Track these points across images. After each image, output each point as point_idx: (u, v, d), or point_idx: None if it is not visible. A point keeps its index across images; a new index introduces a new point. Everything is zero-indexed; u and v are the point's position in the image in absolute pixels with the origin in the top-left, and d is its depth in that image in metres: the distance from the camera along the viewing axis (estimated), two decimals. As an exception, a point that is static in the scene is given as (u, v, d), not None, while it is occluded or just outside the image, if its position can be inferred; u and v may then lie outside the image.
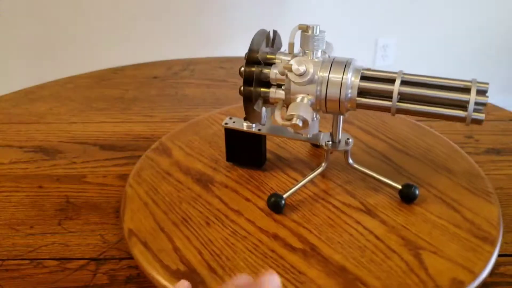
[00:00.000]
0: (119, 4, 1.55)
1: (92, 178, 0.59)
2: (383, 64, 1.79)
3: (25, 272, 0.46)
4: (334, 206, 0.53)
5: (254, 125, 0.55)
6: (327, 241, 0.48)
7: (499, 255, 0.48)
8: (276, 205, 0.51)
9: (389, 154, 0.61)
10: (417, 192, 0.52)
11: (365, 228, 0.50)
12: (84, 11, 1.55)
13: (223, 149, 0.59)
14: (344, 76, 0.46)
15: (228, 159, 0.59)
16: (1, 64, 1.60)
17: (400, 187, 0.53)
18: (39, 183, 0.59)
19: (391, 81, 0.47)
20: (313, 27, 0.46)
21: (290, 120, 0.46)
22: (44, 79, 0.85)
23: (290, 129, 0.49)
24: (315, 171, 0.54)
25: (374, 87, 0.47)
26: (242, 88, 0.49)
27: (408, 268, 0.45)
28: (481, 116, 0.45)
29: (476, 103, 0.45)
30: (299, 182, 0.53)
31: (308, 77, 0.46)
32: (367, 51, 1.78)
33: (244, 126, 0.56)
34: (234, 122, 0.56)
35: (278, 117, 0.48)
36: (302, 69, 0.46)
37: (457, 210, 0.52)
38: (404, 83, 0.46)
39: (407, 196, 0.52)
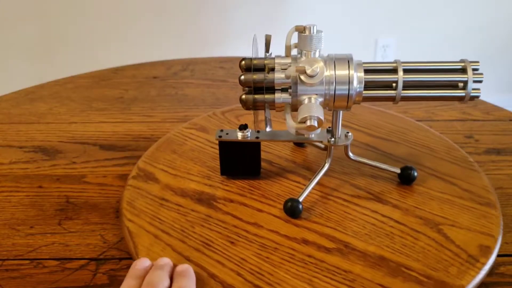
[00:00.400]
0: (119, 4, 1.55)
1: (92, 178, 0.59)
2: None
3: (25, 272, 0.46)
4: (345, 200, 0.53)
5: (249, 134, 0.54)
6: (355, 235, 0.49)
7: (499, 255, 0.48)
8: (294, 210, 0.50)
9: (373, 143, 0.63)
10: (415, 173, 0.55)
11: (382, 215, 0.51)
12: (84, 11, 1.55)
13: (209, 163, 0.58)
14: (350, 72, 0.47)
15: (223, 173, 0.56)
16: (1, 64, 1.60)
17: (399, 171, 0.55)
18: (39, 183, 0.59)
19: (393, 71, 0.49)
20: (310, 27, 0.46)
21: (304, 122, 0.45)
22: (44, 79, 0.85)
23: (292, 132, 0.49)
24: (322, 169, 0.54)
25: (379, 79, 0.49)
26: (244, 96, 0.49)
27: (438, 244, 0.48)
28: (478, 93, 0.49)
29: (474, 81, 0.48)
30: (310, 183, 0.52)
31: (322, 77, 0.46)
32: (367, 51, 1.78)
33: (239, 136, 0.54)
34: (227, 134, 0.54)
35: (290, 121, 0.47)
36: (316, 70, 0.46)
37: (454, 183, 0.56)
38: (406, 71, 0.49)
39: (407, 178, 0.55)
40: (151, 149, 0.62)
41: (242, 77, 0.48)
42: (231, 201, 0.53)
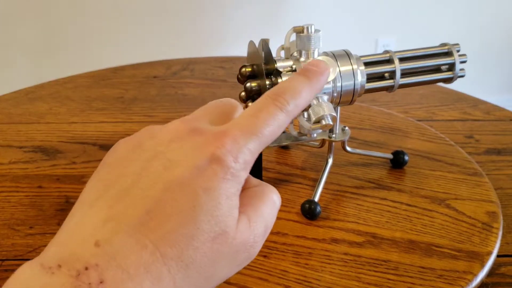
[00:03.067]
0: (119, 4, 1.55)
1: (92, 178, 0.59)
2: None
3: (25, 273, 0.46)
4: (352, 193, 0.54)
5: None
6: (377, 225, 0.50)
7: (500, 256, 0.48)
8: (313, 211, 0.50)
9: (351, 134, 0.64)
10: (407, 157, 0.58)
11: (392, 201, 0.53)
12: (84, 11, 1.55)
13: None
14: (353, 67, 0.48)
15: None
16: (1, 63, 1.60)
17: (391, 156, 0.58)
18: (39, 183, 0.59)
19: (389, 61, 0.51)
20: (308, 27, 0.46)
21: (319, 122, 0.45)
22: (44, 79, 0.85)
23: (294, 133, 0.49)
24: (326, 166, 0.54)
25: (378, 70, 0.50)
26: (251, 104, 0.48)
27: (452, 218, 0.51)
28: (464, 72, 0.53)
29: (460, 62, 0.52)
30: (320, 182, 0.53)
31: (335, 75, 0.47)
32: (367, 51, 1.78)
33: None
34: None
35: (305, 122, 0.47)
36: (330, 68, 0.46)
37: (438, 160, 0.59)
38: (400, 60, 0.51)
39: (400, 162, 0.58)
40: None
41: (248, 84, 0.47)
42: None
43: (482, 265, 0.45)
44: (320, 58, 0.46)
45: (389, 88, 0.51)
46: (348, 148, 0.56)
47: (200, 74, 0.87)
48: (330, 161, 0.54)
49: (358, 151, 0.58)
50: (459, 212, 0.51)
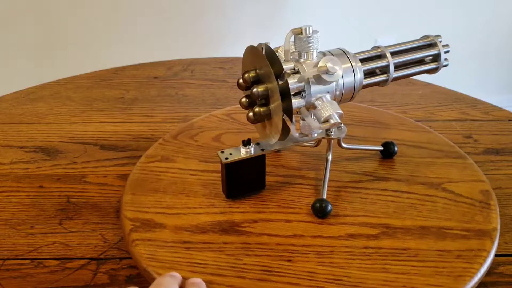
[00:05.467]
0: (119, 4, 1.55)
1: (93, 178, 0.59)
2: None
3: (26, 272, 0.46)
4: (353, 187, 0.55)
5: (252, 148, 0.51)
6: (387, 216, 0.51)
7: (498, 255, 0.48)
8: (324, 210, 0.50)
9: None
10: (396, 147, 0.60)
11: (393, 191, 0.55)
12: (84, 11, 1.55)
13: (202, 191, 0.54)
14: (352, 64, 0.49)
15: (228, 196, 0.53)
16: (2, 64, 1.60)
17: (381, 148, 0.59)
18: (40, 183, 0.59)
19: (381, 56, 0.52)
20: (307, 28, 0.46)
21: (328, 121, 0.46)
22: (45, 79, 0.85)
23: (296, 134, 0.49)
24: (327, 163, 0.54)
25: (374, 66, 0.52)
26: (261, 109, 0.47)
27: (452, 201, 0.53)
28: (447, 62, 0.56)
29: (444, 52, 0.55)
30: (325, 180, 0.53)
31: (341, 73, 0.47)
32: (367, 51, 1.78)
33: (243, 152, 0.51)
34: (231, 154, 0.51)
35: (314, 122, 0.47)
36: (337, 67, 0.46)
37: (424, 147, 0.62)
38: (392, 54, 0.52)
39: (390, 153, 0.60)
40: (127, 197, 0.53)
41: (255, 89, 0.46)
42: (255, 221, 0.50)
43: (492, 242, 0.48)
44: (326, 58, 0.46)
45: (382, 83, 0.53)
46: (343, 145, 0.56)
47: (200, 74, 0.87)
48: (330, 158, 0.55)
49: (352, 146, 0.59)
50: (457, 194, 0.54)
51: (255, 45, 0.48)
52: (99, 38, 1.60)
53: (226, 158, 0.50)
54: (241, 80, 0.49)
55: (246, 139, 0.51)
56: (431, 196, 0.54)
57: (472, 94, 0.80)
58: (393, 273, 0.45)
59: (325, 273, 0.45)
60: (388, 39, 1.78)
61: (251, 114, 0.48)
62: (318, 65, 0.46)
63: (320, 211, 0.51)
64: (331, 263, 0.46)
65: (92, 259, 0.48)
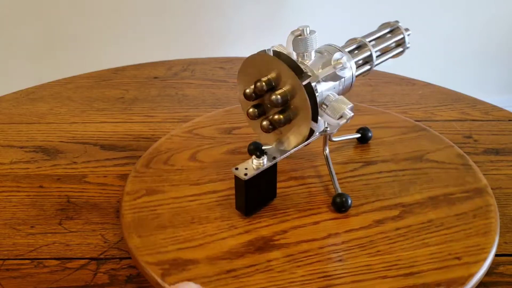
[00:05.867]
0: (119, 4, 1.55)
1: (93, 178, 0.59)
2: (382, 64, 1.79)
3: (26, 272, 0.46)
4: (351, 176, 0.57)
5: (265, 159, 0.48)
6: (396, 195, 0.54)
7: (498, 255, 0.48)
8: (344, 203, 0.51)
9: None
10: (370, 133, 0.63)
11: (387, 171, 0.58)
12: (84, 11, 1.55)
13: (212, 215, 0.51)
14: (347, 58, 0.50)
15: (248, 213, 0.51)
16: (2, 64, 1.60)
17: (359, 135, 0.62)
18: (39, 183, 0.59)
19: (361, 46, 0.54)
20: (305, 29, 0.46)
21: (343, 116, 0.47)
22: (45, 79, 0.85)
23: (318, 134, 0.50)
24: (328, 158, 0.55)
25: (362, 57, 0.54)
26: (277, 117, 0.46)
27: (439, 169, 0.58)
28: (409, 44, 0.59)
29: (408, 36, 0.58)
30: (333, 175, 0.54)
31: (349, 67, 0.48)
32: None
33: (255, 164, 0.48)
34: (246, 168, 0.48)
35: (331, 120, 0.48)
36: (348, 62, 0.47)
37: (388, 127, 0.65)
38: (371, 44, 0.55)
39: (367, 138, 0.63)
40: (134, 241, 0.48)
41: (274, 97, 0.45)
42: (284, 231, 0.49)
43: (491, 196, 0.53)
44: (337, 55, 0.46)
45: (366, 73, 0.55)
46: (333, 138, 0.58)
47: (200, 74, 0.87)
48: (327, 152, 0.55)
49: (339, 138, 0.61)
50: (440, 162, 0.59)
51: (253, 53, 0.47)
52: (99, 38, 1.60)
53: (246, 174, 0.47)
54: (248, 90, 0.47)
55: (259, 152, 0.49)
56: (421, 169, 0.58)
57: (472, 94, 0.80)
58: (434, 245, 0.48)
59: (378, 262, 0.46)
60: (388, 39, 1.78)
61: (265, 123, 0.46)
62: (333, 62, 0.45)
63: (342, 205, 0.51)
64: (377, 252, 0.47)
65: (92, 259, 0.48)
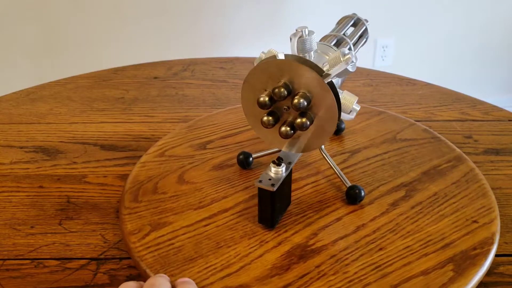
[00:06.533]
0: (120, 4, 1.55)
1: (93, 178, 0.59)
2: (383, 64, 1.79)
3: (26, 272, 0.46)
4: (346, 167, 0.58)
5: (283, 168, 0.47)
6: (394, 177, 0.57)
7: (498, 255, 0.48)
8: (358, 194, 0.52)
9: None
10: (343, 124, 0.65)
11: (374, 156, 0.60)
12: (84, 11, 1.55)
13: (236, 235, 0.48)
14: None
15: (273, 225, 0.49)
16: (2, 64, 1.60)
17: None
18: (39, 183, 0.59)
19: (339, 41, 0.55)
20: (304, 30, 0.46)
21: (352, 110, 0.47)
22: (45, 80, 0.85)
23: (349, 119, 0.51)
24: (326, 154, 0.55)
25: (346, 51, 0.55)
26: (299, 120, 0.45)
27: (415, 145, 0.62)
28: (368, 34, 0.61)
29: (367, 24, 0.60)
30: (337, 169, 0.55)
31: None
32: (367, 52, 1.78)
33: (273, 172, 0.47)
34: (270, 179, 0.47)
35: (345, 115, 0.48)
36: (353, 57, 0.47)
37: (379, 113, 0.69)
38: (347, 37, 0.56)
39: (341, 130, 0.65)
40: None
41: (296, 100, 0.44)
42: (315, 234, 0.49)
43: (469, 160, 0.59)
44: (344, 50, 0.46)
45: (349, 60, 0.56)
46: None
47: (200, 74, 0.87)
48: (324, 148, 0.56)
49: None
50: (412, 139, 0.63)
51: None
52: (99, 38, 1.60)
53: (273, 185, 0.46)
54: (262, 99, 0.45)
55: (275, 158, 0.48)
56: (400, 148, 0.61)
57: (472, 94, 0.80)
58: (451, 215, 0.51)
59: (414, 242, 0.48)
60: (387, 39, 1.78)
61: (284, 129, 0.45)
62: (342, 58, 0.45)
63: (357, 196, 0.52)
64: (408, 232, 0.49)
65: (92, 259, 0.48)
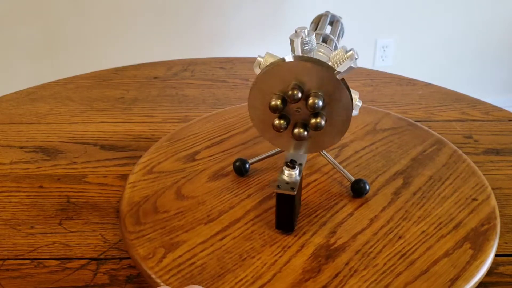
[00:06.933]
0: (120, 4, 1.55)
1: (93, 178, 0.59)
2: (383, 64, 1.79)
3: (26, 272, 0.46)
4: (341, 162, 0.59)
5: (297, 170, 0.47)
6: (387, 166, 0.58)
7: (498, 255, 0.48)
8: (364, 187, 0.53)
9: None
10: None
11: (363, 149, 0.61)
12: (84, 11, 1.55)
13: (256, 244, 0.47)
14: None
15: (293, 229, 0.49)
16: (2, 64, 1.60)
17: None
18: (40, 183, 0.59)
19: (325, 38, 0.56)
20: (304, 30, 0.46)
21: (356, 105, 0.48)
22: (45, 80, 0.85)
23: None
24: (326, 154, 0.55)
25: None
26: (314, 120, 0.45)
27: (396, 134, 0.64)
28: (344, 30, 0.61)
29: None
30: (337, 166, 0.55)
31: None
32: (367, 52, 1.78)
33: (287, 175, 0.47)
34: (287, 183, 0.46)
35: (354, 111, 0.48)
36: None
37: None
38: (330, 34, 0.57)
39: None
40: None
41: (312, 101, 0.44)
42: (333, 232, 0.49)
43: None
44: (345, 47, 0.46)
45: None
46: None
47: (200, 74, 0.87)
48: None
49: None
50: (392, 128, 0.65)
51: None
52: (99, 38, 1.60)
53: (293, 188, 0.46)
54: (273, 102, 0.44)
55: (288, 161, 0.47)
56: (384, 138, 0.63)
57: (472, 94, 0.80)
58: (451, 196, 0.53)
59: (427, 226, 0.49)
60: (387, 39, 1.78)
61: (297, 130, 0.45)
62: (346, 55, 0.45)
63: (363, 190, 0.53)
64: (418, 218, 0.51)
65: (92, 259, 0.48)
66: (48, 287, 0.45)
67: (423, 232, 0.49)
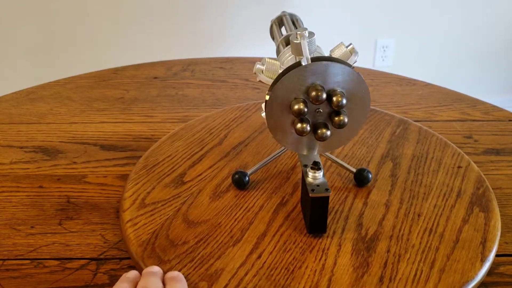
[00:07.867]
0: (120, 4, 1.55)
1: (93, 178, 0.59)
2: (383, 64, 1.79)
3: (26, 272, 0.46)
4: (336, 154, 0.60)
5: (321, 172, 0.47)
6: (371, 152, 0.60)
7: (499, 255, 0.48)
8: (368, 176, 0.54)
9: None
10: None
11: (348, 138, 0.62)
12: (84, 12, 1.55)
13: (296, 254, 0.46)
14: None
15: (325, 229, 0.48)
16: (2, 64, 1.60)
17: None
18: (39, 183, 0.59)
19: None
20: (305, 32, 0.46)
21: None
22: (45, 80, 0.85)
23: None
24: (328, 154, 0.56)
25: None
26: (341, 118, 0.45)
27: (392, 122, 0.67)
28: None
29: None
30: (335, 159, 0.56)
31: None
32: (367, 52, 1.78)
33: (311, 177, 0.47)
34: (318, 186, 0.46)
35: None
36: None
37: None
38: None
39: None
40: None
41: (336, 99, 0.44)
42: (360, 224, 0.49)
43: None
44: (343, 42, 0.46)
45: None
46: None
47: (200, 74, 0.87)
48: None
49: None
50: (388, 119, 0.67)
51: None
52: (99, 38, 1.60)
53: (327, 189, 0.45)
54: (297, 106, 0.44)
55: (315, 162, 0.47)
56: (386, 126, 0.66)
57: (472, 94, 0.80)
58: (439, 168, 0.57)
59: (435, 199, 0.52)
60: (387, 39, 1.78)
61: (321, 131, 0.45)
62: (348, 49, 0.45)
63: (366, 178, 0.54)
64: (424, 194, 0.53)
65: (92, 259, 0.48)
66: (48, 287, 0.45)
67: (435, 206, 0.51)
